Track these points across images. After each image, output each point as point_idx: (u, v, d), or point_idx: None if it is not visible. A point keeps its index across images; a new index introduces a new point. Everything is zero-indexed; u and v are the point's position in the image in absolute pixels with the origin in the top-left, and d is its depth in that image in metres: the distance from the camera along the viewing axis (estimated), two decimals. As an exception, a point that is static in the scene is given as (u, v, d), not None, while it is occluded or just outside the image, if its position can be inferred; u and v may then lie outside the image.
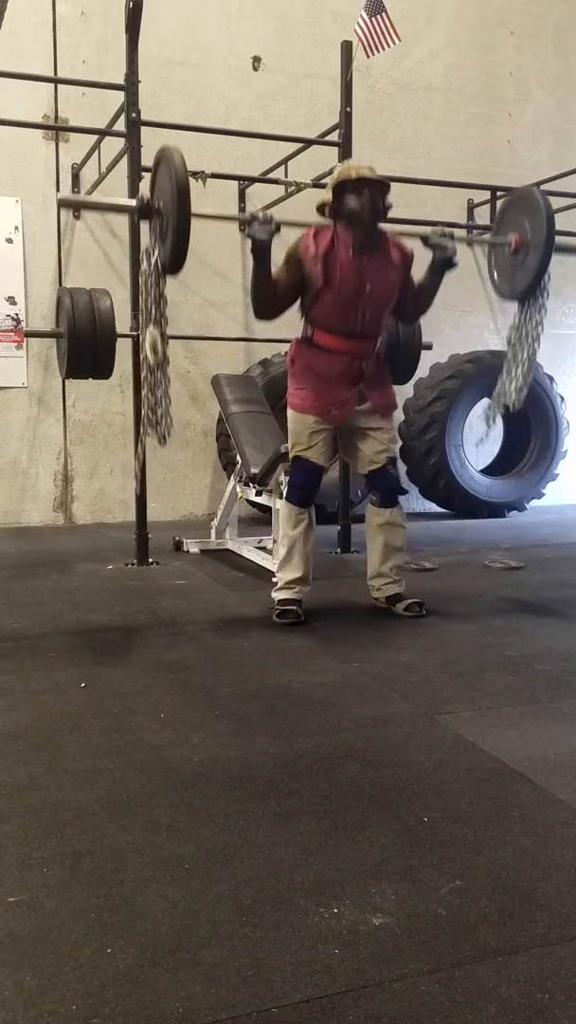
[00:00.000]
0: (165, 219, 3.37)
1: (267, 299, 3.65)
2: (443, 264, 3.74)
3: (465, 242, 4.91)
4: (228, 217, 3.83)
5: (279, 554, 3.84)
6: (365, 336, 3.67)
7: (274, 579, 3.84)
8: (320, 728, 2.46)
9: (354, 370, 3.68)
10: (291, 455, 3.80)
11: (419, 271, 3.78)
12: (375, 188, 3.53)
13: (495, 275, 4.18)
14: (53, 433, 6.63)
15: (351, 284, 3.55)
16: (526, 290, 3.96)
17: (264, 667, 3.03)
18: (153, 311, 3.54)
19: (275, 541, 4.74)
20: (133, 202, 3.57)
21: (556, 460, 7.22)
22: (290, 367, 3.84)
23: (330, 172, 5.42)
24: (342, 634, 3.47)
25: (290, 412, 3.79)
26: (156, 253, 3.49)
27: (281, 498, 4.55)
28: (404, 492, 3.95)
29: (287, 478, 3.83)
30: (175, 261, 3.39)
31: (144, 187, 3.71)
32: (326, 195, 3.60)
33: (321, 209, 3.65)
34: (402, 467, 6.32)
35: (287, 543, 3.76)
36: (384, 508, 3.81)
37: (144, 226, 3.77)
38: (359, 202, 3.50)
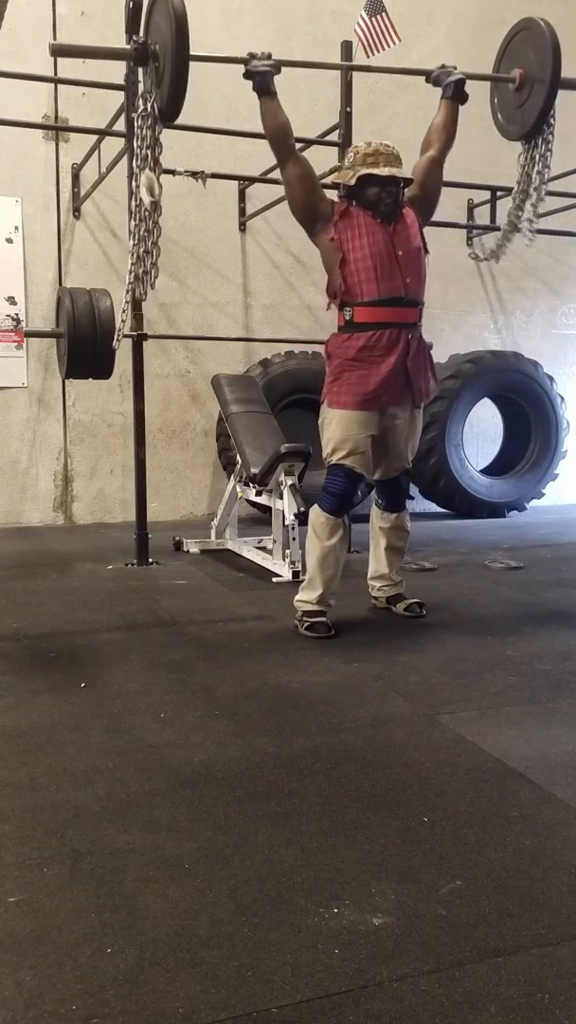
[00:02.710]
0: (163, 61, 3.22)
1: (275, 131, 3.44)
2: (456, 86, 3.61)
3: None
4: (227, 59, 3.64)
5: (311, 565, 3.53)
6: (408, 302, 3.43)
7: (298, 598, 3.56)
8: (320, 728, 2.46)
9: (402, 343, 3.42)
10: (330, 462, 3.49)
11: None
12: (400, 183, 3.43)
13: (499, 116, 3.98)
14: (53, 433, 6.63)
15: (381, 247, 3.38)
16: (533, 127, 3.76)
17: (264, 667, 3.03)
18: (148, 156, 3.42)
19: (276, 541, 4.75)
20: (128, 47, 3.39)
21: (556, 460, 7.22)
22: (329, 363, 3.52)
23: (331, 172, 5.44)
24: (342, 634, 3.46)
25: (332, 412, 3.47)
26: (153, 97, 3.35)
27: (281, 498, 4.56)
28: (411, 498, 3.87)
29: (324, 483, 3.52)
30: (174, 103, 3.19)
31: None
32: (346, 178, 3.43)
33: (336, 186, 3.54)
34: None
35: (322, 552, 3.47)
36: (389, 512, 3.77)
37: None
38: (380, 196, 3.38)
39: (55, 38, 6.36)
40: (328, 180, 3.63)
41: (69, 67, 6.33)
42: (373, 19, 4.70)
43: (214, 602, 4.06)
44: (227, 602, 4.07)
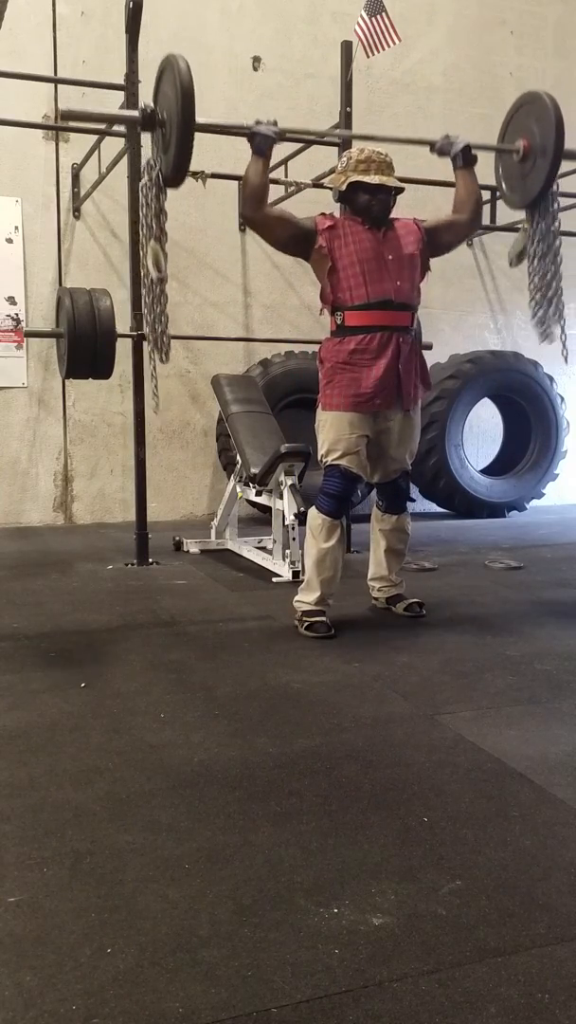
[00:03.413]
0: (168, 128, 3.30)
1: (255, 195, 3.41)
2: (464, 155, 3.59)
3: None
4: (232, 127, 3.71)
5: (309, 567, 3.54)
6: (398, 305, 3.46)
7: (298, 599, 3.58)
8: (320, 728, 2.46)
9: (392, 347, 3.44)
10: (326, 463, 3.50)
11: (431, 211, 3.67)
12: (391, 191, 3.46)
13: (503, 185, 4.01)
14: (53, 433, 6.64)
15: (370, 252, 3.42)
16: (538, 196, 3.79)
17: (264, 667, 3.03)
18: (154, 225, 3.46)
19: (276, 541, 4.75)
20: (136, 113, 3.50)
21: (556, 460, 7.22)
22: (322, 367, 3.57)
23: (330, 172, 5.43)
24: (342, 634, 3.46)
25: (326, 415, 3.50)
26: (158, 165, 3.42)
27: (281, 498, 4.56)
28: (412, 500, 3.86)
29: (321, 485, 3.54)
30: (178, 170, 3.28)
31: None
32: (338, 182, 3.48)
33: (332, 188, 3.58)
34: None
35: (319, 555, 3.48)
36: (390, 515, 3.76)
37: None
38: (370, 203, 3.44)
39: (55, 38, 6.37)
40: (324, 182, 3.64)
41: (69, 67, 6.35)
42: (373, 19, 4.71)
43: (214, 602, 4.06)
44: (227, 602, 4.07)
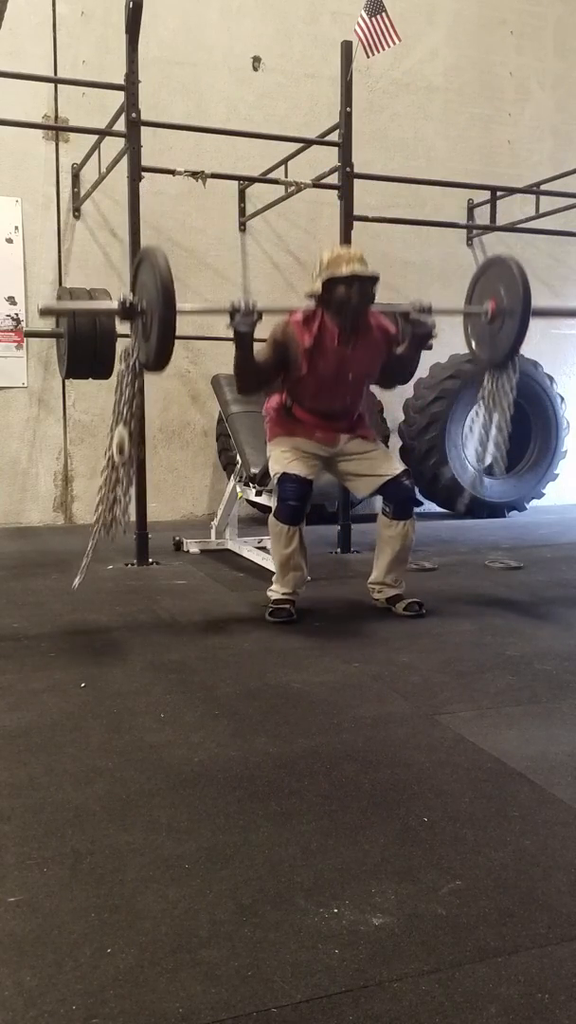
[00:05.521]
0: (149, 317, 3.35)
1: (250, 380, 3.70)
2: (423, 339, 3.77)
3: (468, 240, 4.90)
4: (213, 311, 3.85)
5: (276, 566, 3.78)
6: (344, 416, 3.79)
7: (269, 589, 3.82)
8: (320, 728, 2.46)
9: (331, 432, 3.78)
10: (276, 477, 3.70)
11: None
12: (365, 281, 3.57)
13: (472, 343, 4.20)
14: (53, 433, 6.64)
15: (333, 372, 3.64)
16: (506, 357, 3.98)
17: (264, 667, 3.03)
18: (124, 412, 3.50)
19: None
20: (115, 304, 3.58)
21: (556, 460, 7.22)
22: (266, 416, 3.90)
23: (330, 172, 5.44)
24: (342, 634, 3.47)
25: (271, 445, 3.83)
26: (136, 353, 3.45)
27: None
28: (419, 504, 3.92)
29: (275, 495, 3.75)
30: (159, 359, 3.37)
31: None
32: (315, 286, 3.61)
33: (311, 295, 3.68)
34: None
35: (282, 559, 3.70)
36: (397, 520, 3.76)
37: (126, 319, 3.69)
38: (348, 294, 3.55)
39: (55, 38, 6.37)
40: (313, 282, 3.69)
41: (69, 67, 6.36)
42: (373, 19, 4.71)
43: (214, 602, 4.06)
44: (227, 602, 4.07)
